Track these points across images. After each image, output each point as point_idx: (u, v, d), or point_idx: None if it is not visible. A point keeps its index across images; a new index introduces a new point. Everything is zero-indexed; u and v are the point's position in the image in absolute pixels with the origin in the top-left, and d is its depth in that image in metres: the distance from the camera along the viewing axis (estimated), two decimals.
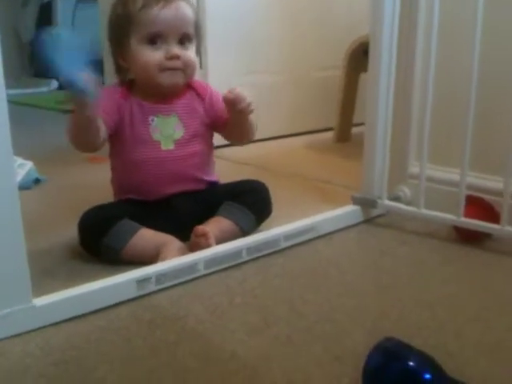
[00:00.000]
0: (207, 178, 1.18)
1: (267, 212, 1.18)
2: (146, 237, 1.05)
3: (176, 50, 1.08)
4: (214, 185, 1.20)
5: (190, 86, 1.17)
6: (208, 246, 1.03)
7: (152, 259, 1.01)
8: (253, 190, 1.16)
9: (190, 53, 1.11)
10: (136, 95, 1.13)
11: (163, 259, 1.00)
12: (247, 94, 1.08)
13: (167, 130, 1.12)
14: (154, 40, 1.08)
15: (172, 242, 1.06)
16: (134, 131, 1.11)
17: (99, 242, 1.03)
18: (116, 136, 1.12)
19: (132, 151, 1.11)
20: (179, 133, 1.13)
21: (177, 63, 1.09)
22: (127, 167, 1.13)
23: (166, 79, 1.10)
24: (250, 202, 1.14)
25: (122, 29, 1.11)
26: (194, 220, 1.10)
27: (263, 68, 2.12)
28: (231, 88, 1.08)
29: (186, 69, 1.11)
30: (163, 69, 1.09)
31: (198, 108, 1.16)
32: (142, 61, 1.09)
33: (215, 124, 1.18)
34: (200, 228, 1.05)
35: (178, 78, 1.11)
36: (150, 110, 1.12)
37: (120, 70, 1.16)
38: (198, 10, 1.17)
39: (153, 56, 1.08)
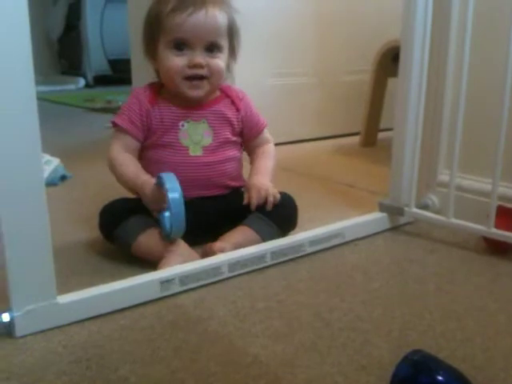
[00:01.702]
0: (233, 183, 1.17)
1: (292, 227, 1.15)
2: (155, 236, 1.03)
3: (200, 58, 1.06)
4: (238, 189, 1.18)
5: (224, 93, 1.15)
6: None
7: (157, 260, 0.99)
8: (280, 205, 1.11)
9: (218, 61, 1.08)
10: (166, 97, 1.12)
11: (164, 265, 0.97)
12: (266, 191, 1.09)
13: (196, 136, 1.11)
14: (179, 46, 1.06)
15: (178, 247, 1.02)
16: (163, 136, 1.10)
17: (113, 231, 1.05)
18: (144, 140, 1.11)
19: (159, 155, 1.11)
20: (208, 139, 1.12)
21: (200, 71, 1.06)
22: (152, 169, 1.10)
23: (189, 91, 1.08)
24: (277, 216, 1.10)
25: (152, 30, 1.10)
26: (215, 223, 1.10)
27: (291, 71, 2.12)
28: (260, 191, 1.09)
29: (211, 77, 1.08)
30: (186, 77, 1.07)
31: (230, 117, 1.14)
32: (166, 65, 1.07)
33: (242, 136, 1.18)
34: (217, 248, 1.02)
35: (202, 91, 1.09)
36: (180, 115, 1.11)
37: (155, 69, 1.15)
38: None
39: (176, 62, 1.06)
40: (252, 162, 1.19)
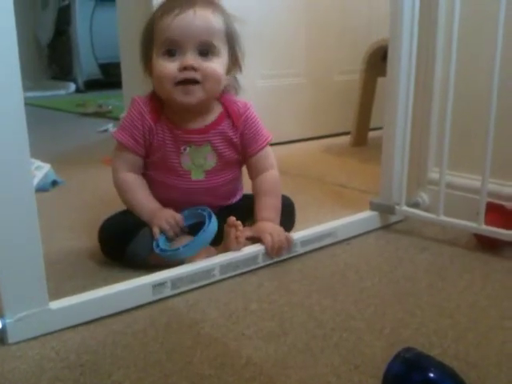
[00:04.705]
0: (234, 199, 1.16)
1: (292, 225, 1.16)
2: None
3: (191, 60, 0.99)
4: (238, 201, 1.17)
5: (226, 109, 1.10)
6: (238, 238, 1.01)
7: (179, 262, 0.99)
8: (285, 212, 1.11)
9: (213, 64, 1.01)
10: (168, 116, 1.06)
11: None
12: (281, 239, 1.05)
13: (199, 160, 1.07)
14: (171, 51, 1.00)
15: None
16: (164, 157, 1.07)
17: (124, 250, 1.02)
18: (146, 157, 1.09)
19: (160, 175, 1.08)
20: (211, 163, 1.08)
21: (191, 74, 1.00)
22: (154, 190, 1.09)
23: (181, 97, 1.01)
24: (285, 224, 1.10)
25: (146, 41, 1.06)
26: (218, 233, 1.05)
27: (281, 72, 2.12)
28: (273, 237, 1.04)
29: (206, 82, 1.01)
30: (177, 82, 1.00)
31: (232, 136, 1.09)
32: (157, 72, 1.01)
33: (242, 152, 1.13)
34: (231, 219, 1.01)
35: (194, 97, 1.01)
36: (182, 139, 1.06)
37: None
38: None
39: (167, 67, 1.00)
40: (255, 198, 1.12)
